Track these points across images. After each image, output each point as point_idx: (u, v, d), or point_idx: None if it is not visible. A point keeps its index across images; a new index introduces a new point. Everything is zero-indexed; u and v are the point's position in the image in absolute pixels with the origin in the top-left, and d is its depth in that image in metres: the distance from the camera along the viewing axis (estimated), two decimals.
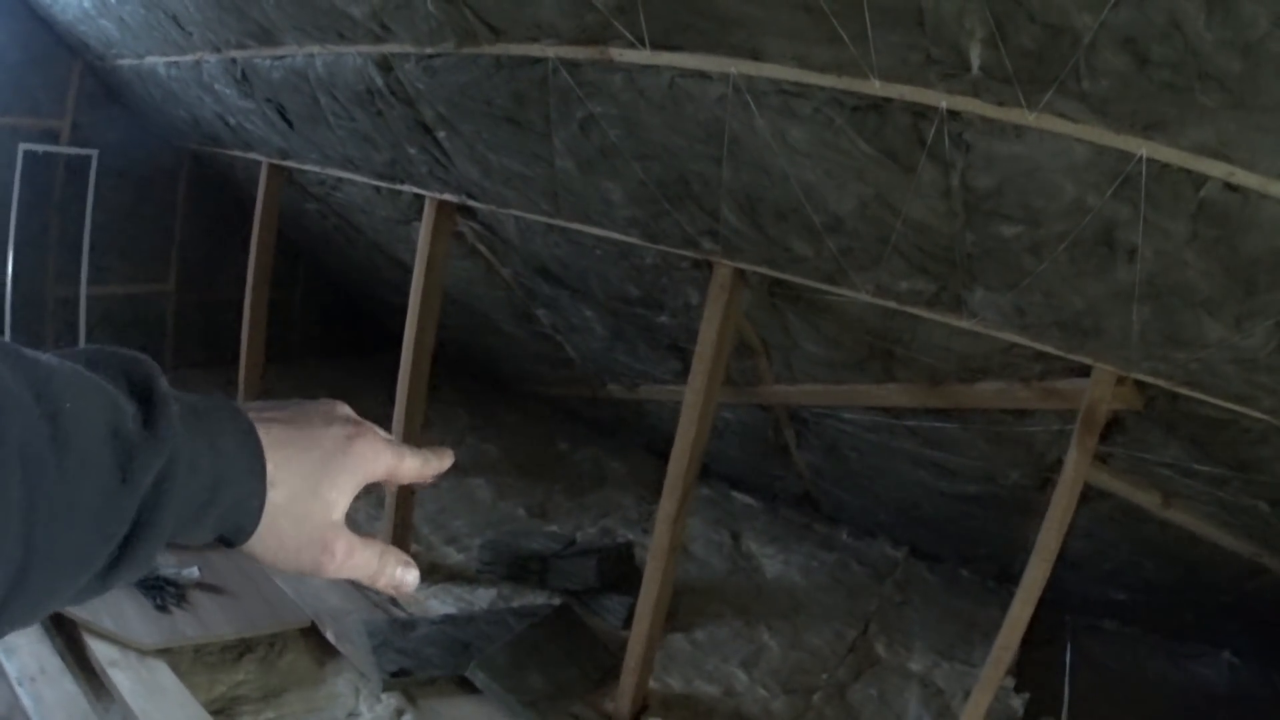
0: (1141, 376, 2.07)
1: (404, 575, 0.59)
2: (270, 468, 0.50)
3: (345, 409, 0.58)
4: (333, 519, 0.53)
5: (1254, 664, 3.63)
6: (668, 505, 2.89)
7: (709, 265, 2.72)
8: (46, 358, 0.41)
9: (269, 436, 0.51)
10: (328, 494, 0.53)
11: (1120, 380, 2.11)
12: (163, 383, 0.46)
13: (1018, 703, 3.27)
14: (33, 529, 0.38)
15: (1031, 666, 3.33)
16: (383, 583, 0.57)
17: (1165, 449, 2.46)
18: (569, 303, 3.94)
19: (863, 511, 4.44)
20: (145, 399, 0.44)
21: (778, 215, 2.31)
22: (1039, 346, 2.16)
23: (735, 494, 4.91)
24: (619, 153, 2.43)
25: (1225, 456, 2.35)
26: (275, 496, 0.51)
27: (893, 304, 2.37)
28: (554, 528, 4.28)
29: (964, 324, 2.24)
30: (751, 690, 3.28)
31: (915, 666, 3.54)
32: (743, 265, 2.62)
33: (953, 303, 2.21)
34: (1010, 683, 3.30)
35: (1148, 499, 2.76)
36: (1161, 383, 2.08)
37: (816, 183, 2.07)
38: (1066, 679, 3.19)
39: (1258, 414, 2.01)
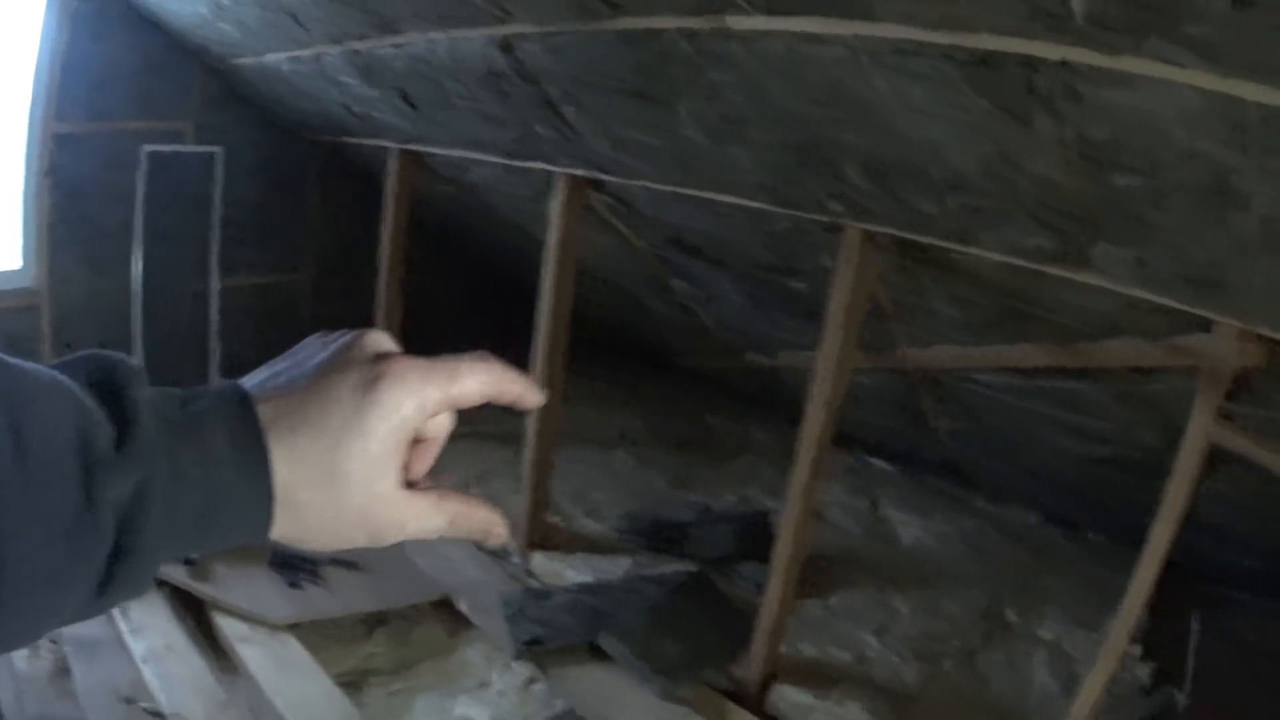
0: (1264, 331, 1.99)
1: (485, 524, 0.53)
2: (276, 464, 0.45)
3: (370, 342, 0.49)
4: (373, 491, 0.47)
5: None
6: (801, 471, 2.91)
7: (840, 228, 2.73)
8: (25, 367, 0.40)
9: (275, 419, 0.45)
10: (351, 469, 0.46)
11: (1244, 336, 2.05)
12: (139, 392, 0.42)
13: (1144, 672, 3.19)
14: (1, 545, 0.36)
15: (1161, 636, 3.24)
16: (463, 534, 0.53)
17: None
18: (705, 272, 3.99)
19: (1000, 477, 4.35)
20: (120, 412, 0.41)
21: (903, 175, 2.33)
22: (1162, 301, 2.11)
23: (874, 461, 4.87)
24: (744, 120, 2.48)
25: None
26: (286, 493, 0.45)
27: (1020, 261, 2.35)
28: (694, 497, 4.33)
29: (1089, 279, 2.21)
30: (883, 656, 3.30)
31: (1046, 634, 3.49)
32: (871, 227, 2.62)
33: (1078, 258, 2.18)
34: (1137, 651, 3.22)
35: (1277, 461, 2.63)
36: None
37: (939, 140, 2.09)
38: (1191, 649, 3.09)
39: None
